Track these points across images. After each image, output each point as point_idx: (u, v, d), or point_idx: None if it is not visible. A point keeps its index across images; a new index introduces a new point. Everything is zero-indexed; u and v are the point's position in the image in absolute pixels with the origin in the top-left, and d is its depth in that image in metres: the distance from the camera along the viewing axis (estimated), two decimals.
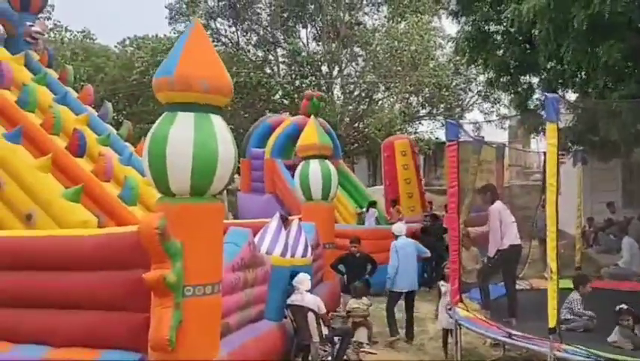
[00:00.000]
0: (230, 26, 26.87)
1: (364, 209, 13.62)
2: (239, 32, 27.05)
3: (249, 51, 27.26)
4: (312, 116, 10.34)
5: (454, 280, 6.63)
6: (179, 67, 4.38)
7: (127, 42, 30.10)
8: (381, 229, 10.89)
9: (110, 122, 10.01)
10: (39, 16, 10.74)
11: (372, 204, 13.48)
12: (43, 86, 8.91)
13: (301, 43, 26.72)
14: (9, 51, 9.38)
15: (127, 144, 9.47)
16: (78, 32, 30.11)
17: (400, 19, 25.12)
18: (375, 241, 9.52)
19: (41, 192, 6.20)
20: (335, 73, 26.48)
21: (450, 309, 6.66)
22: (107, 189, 7.17)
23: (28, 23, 9.95)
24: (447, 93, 25.41)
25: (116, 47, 30.21)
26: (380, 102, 27.05)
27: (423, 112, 27.70)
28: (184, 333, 4.18)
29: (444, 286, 7.35)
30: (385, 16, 26.91)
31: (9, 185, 6.18)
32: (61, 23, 28.99)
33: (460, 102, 27.00)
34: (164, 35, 27.09)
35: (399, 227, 8.18)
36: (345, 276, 8.26)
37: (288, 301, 6.34)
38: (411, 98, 26.52)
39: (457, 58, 20.12)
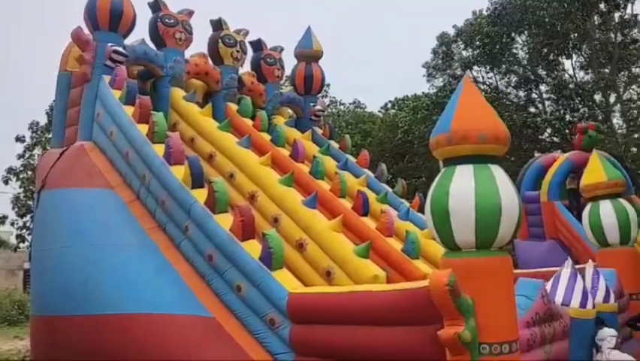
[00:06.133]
0: (487, 72, 26.65)
1: None
2: (497, 76, 26.61)
3: (509, 93, 26.52)
4: (595, 150, 9.36)
5: None
6: (455, 122, 4.50)
7: (389, 105, 32.42)
8: None
9: (385, 181, 10.70)
10: (319, 95, 12.33)
11: None
12: (328, 156, 10.08)
13: (567, 75, 24.91)
14: (299, 130, 10.97)
15: (402, 200, 9.96)
16: (350, 104, 33.64)
17: None
18: None
19: (337, 250, 6.89)
20: (612, 100, 23.84)
21: None
22: (391, 244, 7.60)
23: (312, 104, 11.53)
24: None
25: (379, 111, 32.76)
26: None
27: None
28: None
29: None
30: None
31: (311, 245, 7.05)
32: (336, 98, 32.87)
33: None
34: (422, 93, 28.24)
35: None
36: None
37: None
38: None
39: None
